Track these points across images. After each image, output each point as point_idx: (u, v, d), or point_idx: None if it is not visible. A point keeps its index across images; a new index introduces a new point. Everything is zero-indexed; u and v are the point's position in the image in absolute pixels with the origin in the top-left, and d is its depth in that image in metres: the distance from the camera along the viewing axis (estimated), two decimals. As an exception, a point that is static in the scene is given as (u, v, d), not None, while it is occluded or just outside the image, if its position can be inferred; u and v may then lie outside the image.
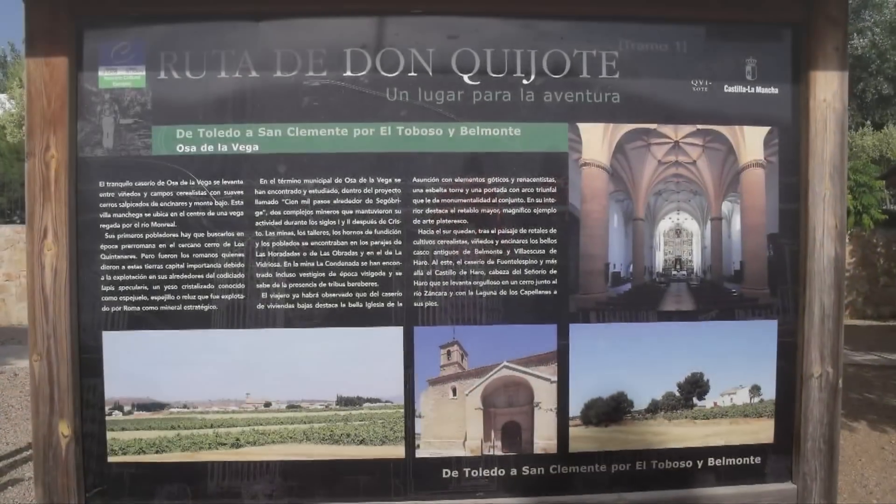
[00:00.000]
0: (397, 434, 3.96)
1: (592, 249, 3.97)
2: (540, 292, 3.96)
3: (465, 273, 3.92)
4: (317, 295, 3.88)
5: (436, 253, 3.90)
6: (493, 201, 3.91)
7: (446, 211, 3.90)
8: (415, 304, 3.92)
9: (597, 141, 3.95)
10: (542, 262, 3.95)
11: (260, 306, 3.87)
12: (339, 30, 3.90)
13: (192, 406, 3.90)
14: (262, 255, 3.86)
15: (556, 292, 3.96)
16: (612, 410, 4.02)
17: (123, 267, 3.86)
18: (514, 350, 3.97)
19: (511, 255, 3.94)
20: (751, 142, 4.01)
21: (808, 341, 4.02)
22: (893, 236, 19.46)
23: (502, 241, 3.93)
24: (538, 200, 3.93)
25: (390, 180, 3.88)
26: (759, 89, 4.03)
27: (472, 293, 3.93)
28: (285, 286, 3.88)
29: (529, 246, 3.94)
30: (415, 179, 3.88)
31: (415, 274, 3.91)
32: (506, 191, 3.92)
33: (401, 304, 3.91)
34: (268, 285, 3.88)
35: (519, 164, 3.92)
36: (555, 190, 3.93)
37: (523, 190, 3.93)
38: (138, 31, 3.87)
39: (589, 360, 3.98)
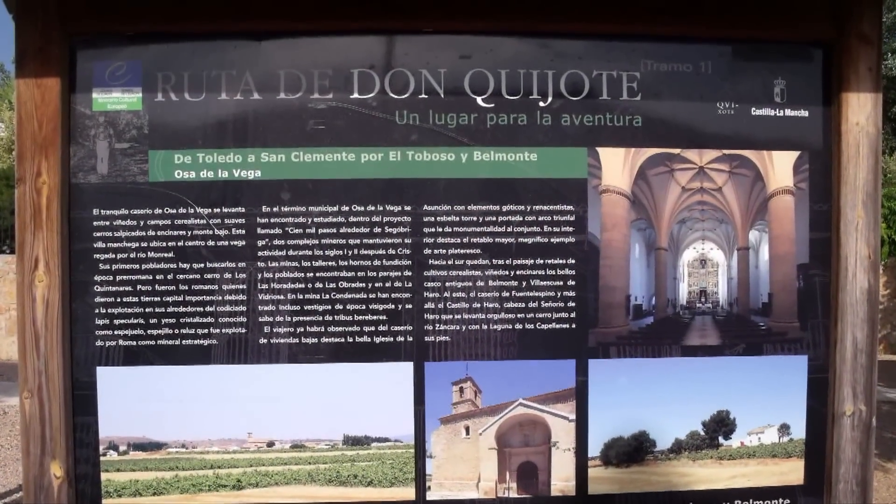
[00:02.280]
0: (407, 475, 3.79)
1: (613, 281, 3.80)
2: (557, 326, 3.79)
3: (479, 306, 3.75)
4: (322, 329, 3.72)
5: (448, 284, 3.73)
6: (509, 230, 3.75)
7: (459, 240, 3.73)
8: (426, 339, 3.75)
9: (617, 166, 3.78)
10: (559, 295, 3.78)
11: (262, 341, 3.71)
12: (346, 49, 3.73)
13: (192, 446, 3.74)
14: (265, 286, 3.69)
15: (574, 326, 3.79)
16: (633, 450, 3.85)
17: (119, 299, 3.69)
18: (530, 387, 3.81)
19: (527, 286, 3.77)
20: (779, 167, 3.84)
21: (839, 377, 3.85)
22: (930, 267, 19.22)
23: (518, 272, 3.76)
24: (555, 229, 3.76)
25: (400, 208, 3.72)
26: (788, 112, 3.86)
27: (485, 327, 3.77)
28: (289, 319, 3.71)
29: (546, 277, 3.77)
30: (426, 207, 3.71)
31: (426, 307, 3.74)
32: (521, 219, 3.75)
33: (411, 339, 3.74)
34: (271, 318, 3.71)
35: (535, 191, 3.76)
36: (573, 218, 3.77)
37: (540, 218, 3.76)
38: (134, 51, 3.70)
39: (609, 398, 3.81)
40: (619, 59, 3.83)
